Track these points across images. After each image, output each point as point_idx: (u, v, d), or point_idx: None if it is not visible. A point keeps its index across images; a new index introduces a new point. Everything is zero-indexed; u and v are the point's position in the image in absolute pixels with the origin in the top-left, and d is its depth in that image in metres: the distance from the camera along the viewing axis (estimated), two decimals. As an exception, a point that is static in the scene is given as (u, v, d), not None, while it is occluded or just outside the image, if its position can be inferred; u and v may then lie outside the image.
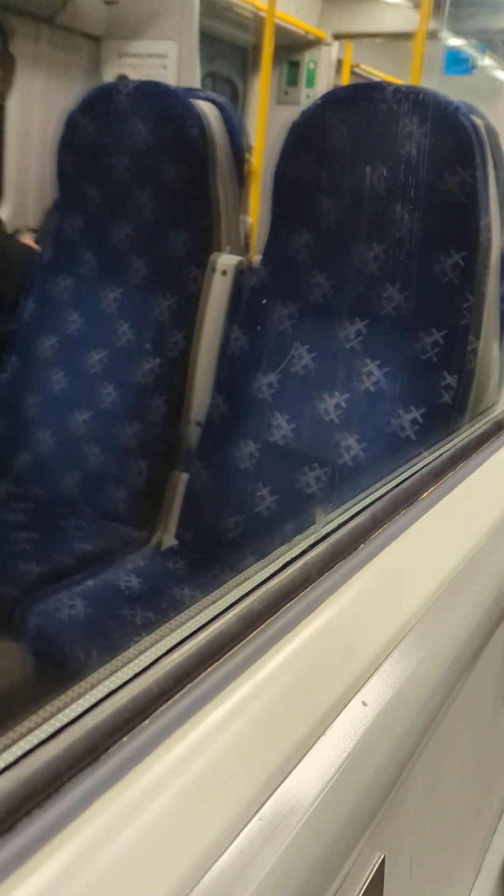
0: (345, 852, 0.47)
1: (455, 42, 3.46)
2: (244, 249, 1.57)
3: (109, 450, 1.49)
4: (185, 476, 1.45)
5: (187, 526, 1.41)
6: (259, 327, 1.37)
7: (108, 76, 2.86)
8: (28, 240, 2.06)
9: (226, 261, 1.47)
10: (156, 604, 1.24)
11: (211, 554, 1.36)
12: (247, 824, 0.39)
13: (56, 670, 1.13)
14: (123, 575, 1.30)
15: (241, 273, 1.44)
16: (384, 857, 0.57)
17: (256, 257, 1.45)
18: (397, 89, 1.22)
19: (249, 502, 1.33)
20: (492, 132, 1.24)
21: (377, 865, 0.56)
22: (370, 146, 1.23)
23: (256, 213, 2.03)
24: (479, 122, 1.19)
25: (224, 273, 1.46)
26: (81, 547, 1.37)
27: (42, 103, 2.46)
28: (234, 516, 1.34)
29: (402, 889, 0.65)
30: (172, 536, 1.44)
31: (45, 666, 1.16)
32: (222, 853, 0.37)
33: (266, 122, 3.71)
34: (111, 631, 1.17)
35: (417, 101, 1.18)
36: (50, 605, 1.20)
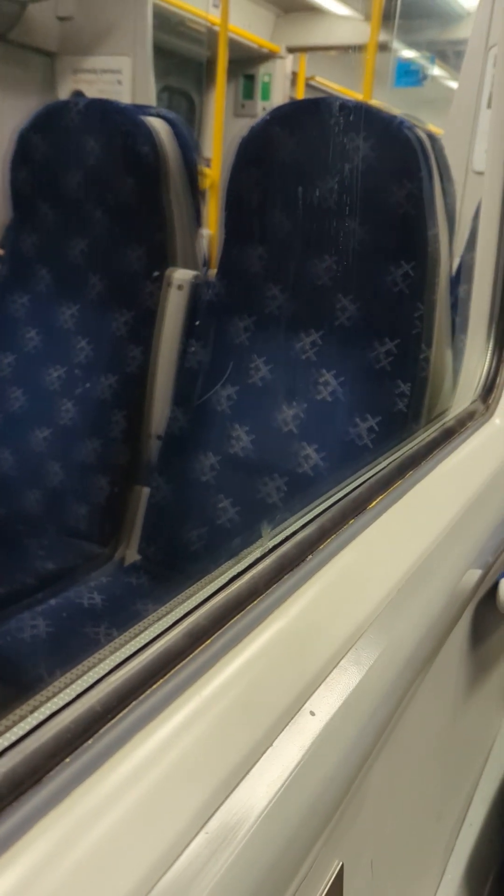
0: (297, 861, 0.48)
1: (406, 54, 3.52)
2: (201, 263, 1.58)
3: (70, 466, 1.48)
4: (146, 490, 1.45)
5: (150, 540, 1.41)
6: (216, 340, 1.38)
7: (64, 92, 2.87)
8: None
9: (181, 275, 1.48)
10: (120, 620, 1.23)
11: (175, 568, 1.36)
12: (193, 839, 0.39)
13: (18, 692, 1.12)
14: (86, 592, 1.29)
15: (197, 287, 1.45)
16: (342, 864, 0.57)
17: (215, 270, 1.46)
18: (343, 104, 1.24)
19: (211, 514, 1.33)
20: (437, 145, 1.26)
21: (335, 873, 0.57)
22: (318, 161, 1.25)
23: (216, 225, 2.04)
24: (422, 135, 1.21)
25: (180, 287, 1.47)
26: (43, 565, 1.37)
27: (-4, 120, 2.46)
28: (196, 529, 1.35)
29: (363, 895, 0.66)
30: (135, 551, 1.44)
31: (8, 688, 1.15)
32: (167, 870, 0.37)
33: (224, 135, 3.73)
34: (75, 650, 1.17)
35: (362, 116, 1.20)
36: (12, 626, 1.19)
